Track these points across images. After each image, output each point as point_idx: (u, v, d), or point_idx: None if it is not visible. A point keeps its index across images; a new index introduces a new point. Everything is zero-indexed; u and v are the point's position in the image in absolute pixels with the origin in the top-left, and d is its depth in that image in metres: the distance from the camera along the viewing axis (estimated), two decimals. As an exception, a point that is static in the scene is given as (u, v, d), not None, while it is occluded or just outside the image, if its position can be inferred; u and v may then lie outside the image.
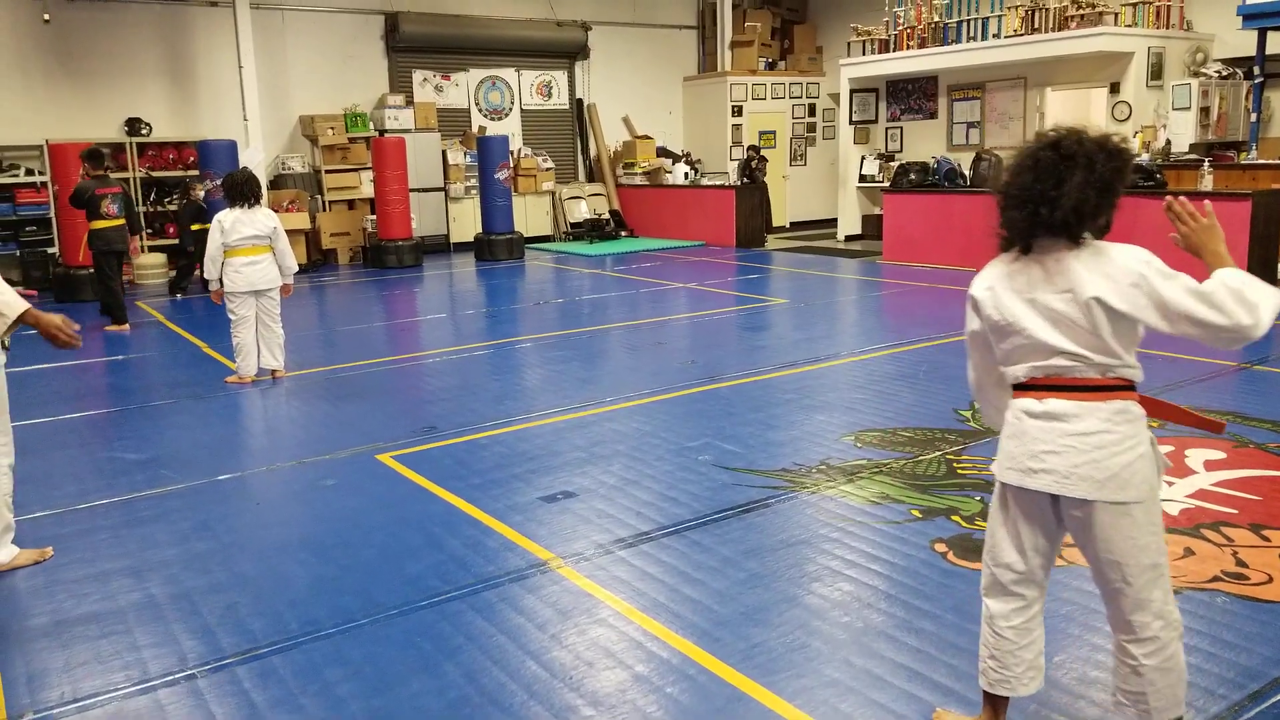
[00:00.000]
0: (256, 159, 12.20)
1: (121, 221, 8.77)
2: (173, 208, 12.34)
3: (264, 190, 6.25)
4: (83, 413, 5.90)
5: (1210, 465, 4.29)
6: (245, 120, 12.07)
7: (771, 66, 16.09)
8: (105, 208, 8.59)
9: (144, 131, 12.16)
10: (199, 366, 7.13)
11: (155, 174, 12.19)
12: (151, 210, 12.19)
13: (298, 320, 9.35)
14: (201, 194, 10.70)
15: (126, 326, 8.68)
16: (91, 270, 9.56)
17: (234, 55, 11.98)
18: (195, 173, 11.80)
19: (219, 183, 8.68)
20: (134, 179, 11.95)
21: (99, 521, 4.04)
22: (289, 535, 3.85)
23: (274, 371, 6.58)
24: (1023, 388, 2.20)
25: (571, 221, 15.12)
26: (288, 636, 3.02)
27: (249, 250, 6.35)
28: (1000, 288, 2.22)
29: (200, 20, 12.54)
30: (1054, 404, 2.15)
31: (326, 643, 2.97)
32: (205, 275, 6.57)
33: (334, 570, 3.50)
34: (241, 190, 6.36)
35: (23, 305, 3.31)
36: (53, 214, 11.29)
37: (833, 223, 15.03)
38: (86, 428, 5.56)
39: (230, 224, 6.29)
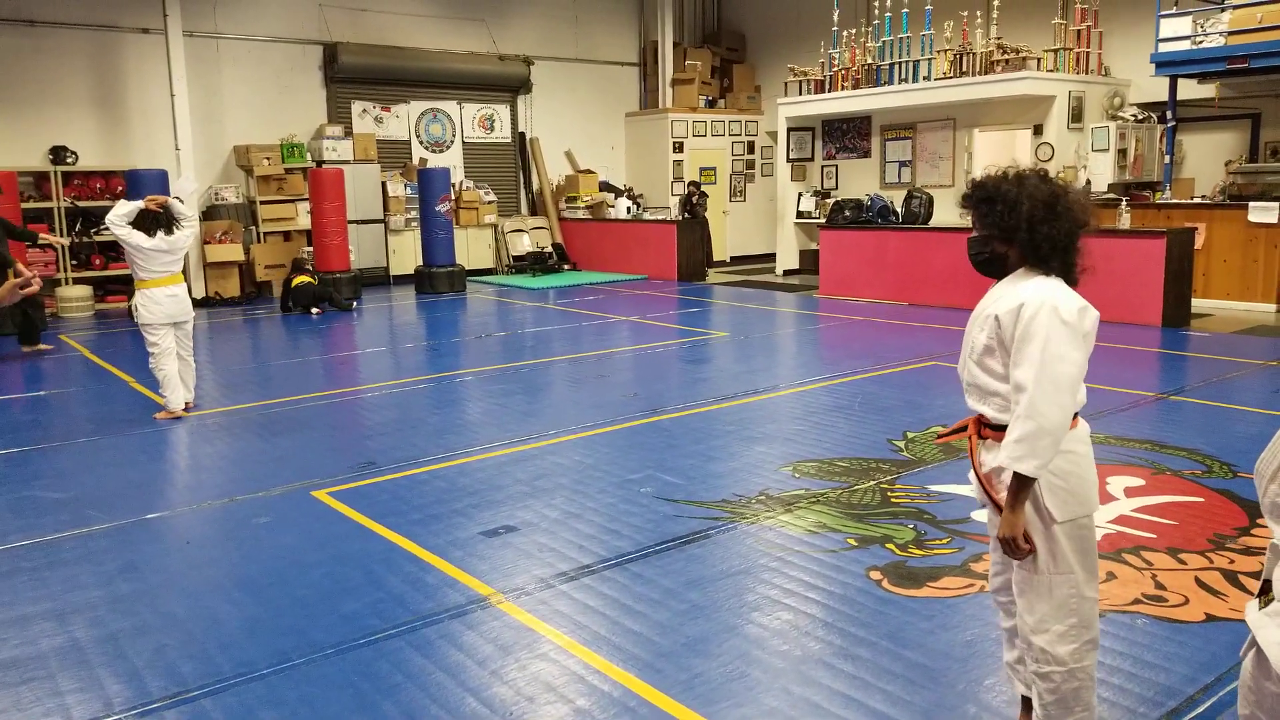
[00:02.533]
0: (189, 189, 11.93)
1: None
2: (99, 239, 11.99)
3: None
4: (1, 450, 5.66)
5: (1130, 491, 4.48)
6: (177, 149, 11.84)
7: (711, 104, 16.44)
8: None
9: (70, 160, 11.83)
10: (125, 400, 6.91)
11: (81, 204, 11.84)
12: (78, 241, 11.82)
13: (230, 354, 9.15)
14: None
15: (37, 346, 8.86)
16: None
17: (166, 83, 11.77)
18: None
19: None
20: (59, 208, 11.59)
21: (19, 563, 3.88)
22: (220, 574, 3.75)
23: (187, 403, 6.46)
24: (1074, 416, 2.24)
25: (514, 254, 15.12)
26: (219, 678, 2.93)
27: (168, 280, 6.22)
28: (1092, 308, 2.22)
29: (131, 47, 12.30)
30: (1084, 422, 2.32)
31: (260, 684, 2.90)
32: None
33: (268, 610, 3.42)
34: (157, 219, 6.18)
35: None
36: (-29, 243, 10.87)
37: (771, 257, 15.33)
38: (4, 465, 5.34)
39: (151, 249, 6.12)
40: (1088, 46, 11.80)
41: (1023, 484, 2.16)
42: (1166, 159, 11.18)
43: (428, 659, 3.04)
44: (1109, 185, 11.22)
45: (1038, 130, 11.80)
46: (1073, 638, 2.28)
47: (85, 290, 11.76)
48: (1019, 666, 2.50)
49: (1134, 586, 3.48)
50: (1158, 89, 11.27)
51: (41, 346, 8.92)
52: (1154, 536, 3.94)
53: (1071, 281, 2.24)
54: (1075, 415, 2.26)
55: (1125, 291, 9.26)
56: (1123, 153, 11.35)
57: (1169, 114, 11.01)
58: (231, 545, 4.09)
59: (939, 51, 12.27)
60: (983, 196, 2.25)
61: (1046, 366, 2.09)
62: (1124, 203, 10.09)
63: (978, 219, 2.28)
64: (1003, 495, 2.25)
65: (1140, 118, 11.59)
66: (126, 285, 11.66)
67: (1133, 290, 9.22)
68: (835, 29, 13.50)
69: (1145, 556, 3.75)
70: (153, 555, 3.95)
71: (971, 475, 2.40)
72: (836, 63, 13.49)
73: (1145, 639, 3.09)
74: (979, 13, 12.21)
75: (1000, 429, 2.25)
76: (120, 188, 11.79)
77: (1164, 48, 10.51)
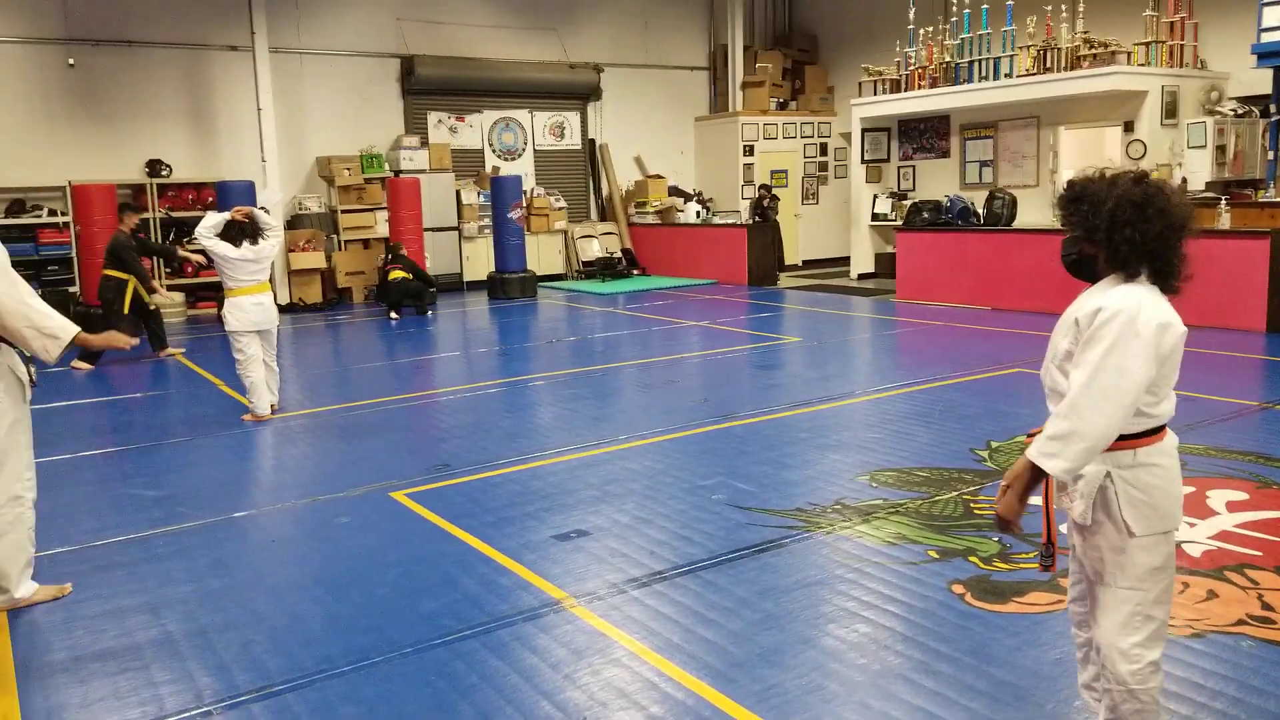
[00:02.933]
0: (274, 199, 12.39)
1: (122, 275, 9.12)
2: (193, 248, 12.49)
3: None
4: (101, 449, 5.94)
5: (1232, 506, 4.24)
6: (263, 161, 12.29)
7: (783, 106, 16.29)
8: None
9: (164, 173, 12.39)
10: (216, 404, 7.18)
11: (175, 214, 12.39)
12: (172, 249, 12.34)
13: (313, 358, 9.44)
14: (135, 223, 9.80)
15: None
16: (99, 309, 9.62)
17: (253, 98, 12.23)
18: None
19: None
20: (154, 219, 12.14)
21: (116, 558, 4.05)
22: (303, 573, 3.86)
23: (272, 405, 6.65)
24: (1163, 428, 2.18)
25: (584, 260, 15.23)
26: (303, 674, 3.01)
27: (254, 289, 6.43)
28: (1180, 322, 2.13)
29: (220, 64, 12.84)
30: (1173, 435, 2.24)
31: (341, 681, 2.96)
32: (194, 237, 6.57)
33: (348, 608, 3.49)
34: (243, 229, 6.36)
35: (74, 329, 3.48)
36: (74, 254, 11.49)
37: (845, 261, 15.08)
38: (105, 464, 5.60)
39: (237, 258, 6.32)
40: (1182, 39, 11.28)
41: (1035, 478, 2.10)
42: (1270, 155, 10.60)
43: (502, 660, 3.06)
44: (1207, 184, 10.70)
45: (1129, 127, 11.33)
46: (1135, 657, 2.18)
47: (178, 297, 12.28)
48: (1096, 684, 2.39)
49: (1238, 606, 3.29)
50: (1259, 81, 10.68)
51: (172, 350, 9.46)
52: (1259, 554, 3.72)
53: (1170, 290, 2.13)
54: (1163, 427, 2.17)
55: (1226, 295, 8.82)
56: (1221, 149, 10.79)
57: (1272, 108, 10.43)
58: (313, 544, 4.20)
59: (1021, 47, 11.89)
60: (1072, 196, 2.20)
61: (1103, 373, 2.02)
62: (1223, 201, 9.62)
63: (1066, 218, 2.22)
64: (1074, 506, 2.19)
65: (1240, 112, 11.01)
66: (217, 292, 12.13)
67: (1234, 294, 8.77)
68: (911, 27, 13.22)
69: (1250, 575, 3.54)
70: (240, 552, 4.08)
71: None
72: (913, 61, 13.21)
73: (1251, 662, 2.91)
74: (1064, 6, 11.80)
75: None
76: (210, 198, 12.31)
77: (1266, 38, 9.95)
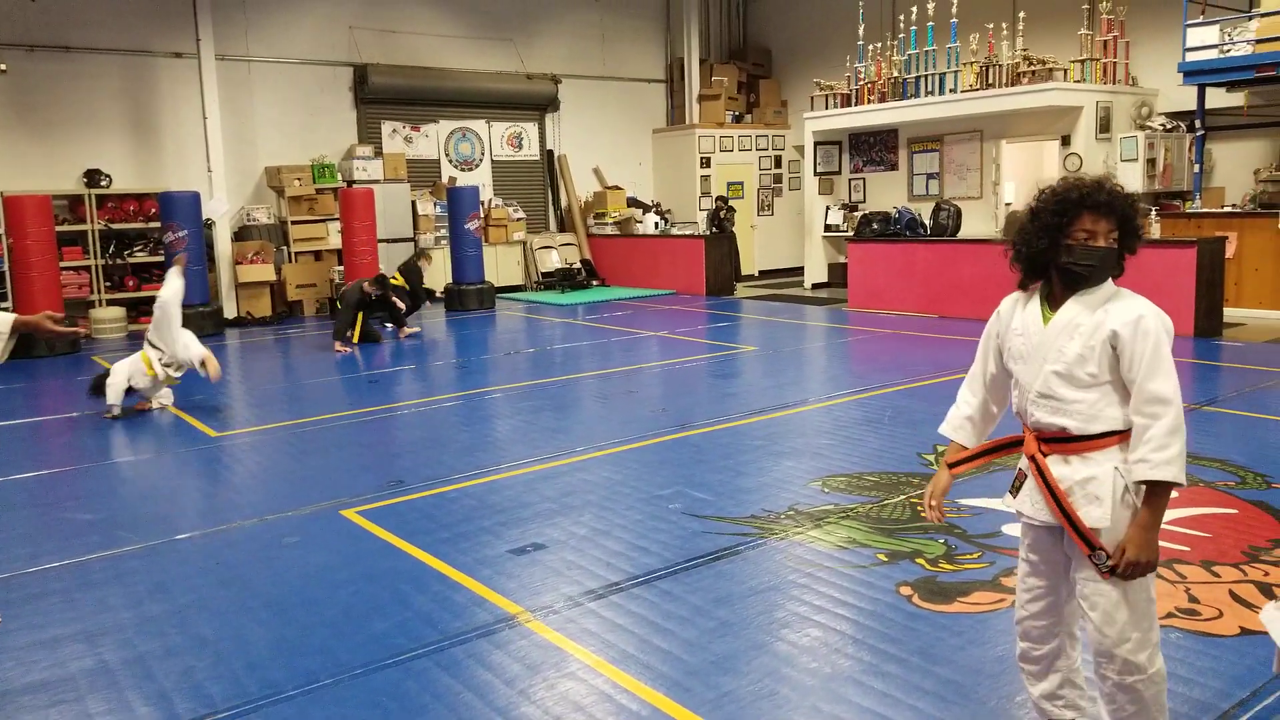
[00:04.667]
0: (221, 210, 12.17)
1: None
2: (133, 260, 12.21)
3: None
4: (34, 472, 5.74)
5: (1170, 506, 4.37)
6: (210, 171, 12.06)
7: (738, 119, 16.46)
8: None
9: (103, 183, 12.07)
10: (158, 424, 7.01)
11: (115, 226, 12.08)
12: (110, 263, 12.05)
13: (262, 374, 9.26)
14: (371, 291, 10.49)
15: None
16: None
17: (199, 106, 12.00)
18: (157, 224, 11.69)
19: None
20: (93, 231, 11.83)
21: (51, 585, 3.92)
22: (249, 595, 3.77)
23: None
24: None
25: (543, 271, 15.19)
26: (247, 700, 2.93)
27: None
28: None
29: (164, 71, 12.57)
30: None
31: (288, 705, 2.90)
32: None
33: (296, 630, 3.42)
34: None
35: (10, 317, 3.30)
36: (6, 267, 11.06)
37: (800, 271, 15.26)
38: (38, 487, 5.42)
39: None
40: (1115, 56, 11.68)
41: (1162, 497, 2.13)
42: (1196, 168, 11.00)
43: (455, 679, 3.02)
44: (1138, 195, 11.05)
45: (1065, 141, 11.67)
46: (1150, 642, 2.23)
47: (118, 312, 11.96)
48: (1062, 692, 2.40)
49: (1167, 600, 3.39)
50: (1186, 98, 11.10)
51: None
52: (1187, 549, 3.84)
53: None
54: None
55: (1157, 301, 8.87)
56: (1151, 162, 11.19)
57: (1198, 123, 10.84)
58: (260, 566, 4.11)
59: (965, 64, 12.19)
60: (1124, 208, 2.21)
61: (1171, 377, 2.13)
62: (1154, 212, 9.95)
63: (1109, 229, 2.20)
64: (1087, 511, 2.18)
65: (1169, 127, 11.42)
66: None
67: (1164, 300, 8.80)
68: (861, 43, 13.47)
69: (1179, 569, 3.65)
70: (182, 576, 3.98)
71: (1025, 496, 2.31)
72: (863, 76, 13.45)
73: (1179, 653, 3.00)
74: (1005, 25, 12.13)
75: (1080, 440, 2.20)
76: (153, 210, 12.03)
77: (1191, 57, 10.35)
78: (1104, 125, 11.50)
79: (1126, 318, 2.17)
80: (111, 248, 12.10)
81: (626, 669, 3.03)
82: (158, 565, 4.10)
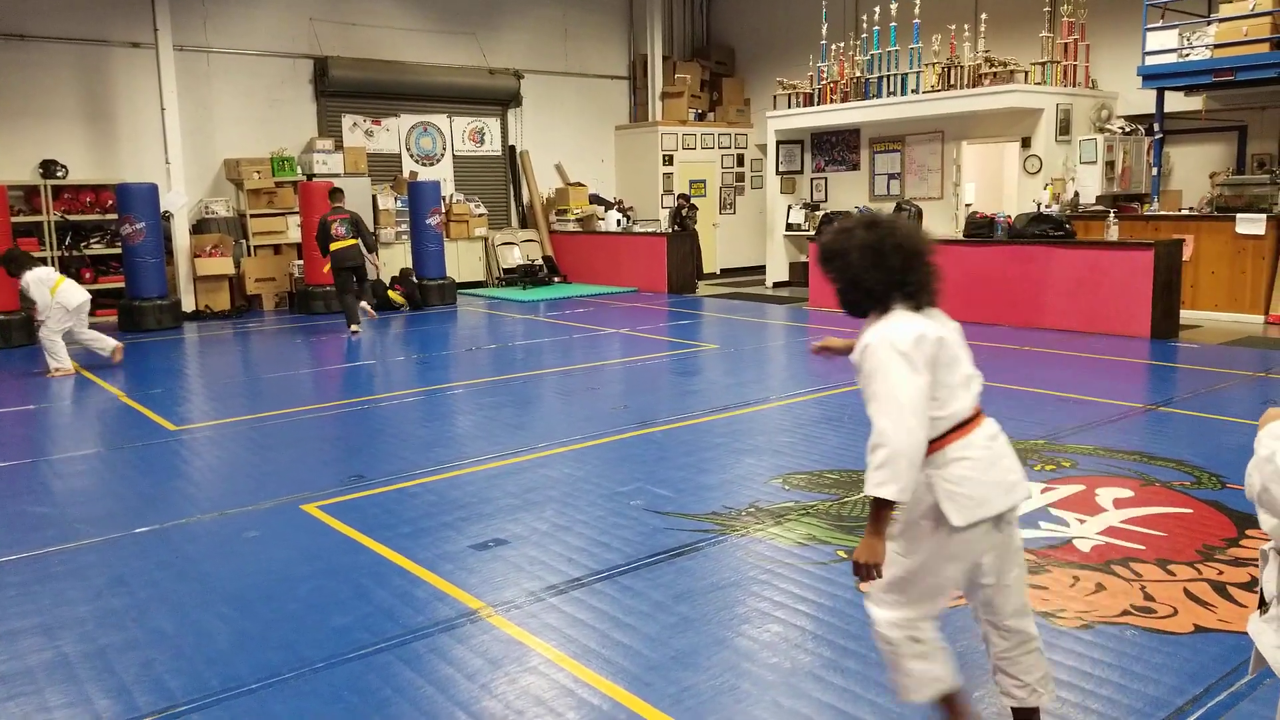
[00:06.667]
0: (179, 202, 11.96)
1: (353, 241, 10.46)
2: (90, 252, 11.97)
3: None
4: (-12, 465, 5.63)
5: (1119, 503, 4.51)
6: (167, 163, 11.84)
7: (701, 117, 16.54)
8: (334, 230, 10.41)
9: (59, 174, 11.80)
10: (114, 415, 6.89)
11: (71, 217, 11.82)
12: (66, 255, 11.78)
13: (220, 367, 9.13)
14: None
15: (357, 329, 10.52)
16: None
17: (156, 97, 11.78)
18: (114, 216, 11.49)
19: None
20: (49, 222, 11.56)
21: (7, 578, 3.86)
22: (209, 589, 3.74)
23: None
24: (967, 422, 2.33)
25: (504, 267, 15.15)
26: (208, 694, 2.92)
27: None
28: (937, 330, 2.32)
29: (121, 61, 12.31)
30: (991, 423, 2.39)
31: (250, 698, 2.89)
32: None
33: (257, 625, 3.41)
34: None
35: None
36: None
37: (761, 270, 15.39)
38: (-8, 481, 5.32)
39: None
40: (1075, 60, 11.92)
41: (884, 512, 2.25)
42: (1154, 171, 11.29)
43: (417, 673, 3.03)
44: (1097, 197, 11.32)
45: (1026, 143, 11.90)
46: (884, 604, 2.42)
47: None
48: (996, 679, 2.52)
49: (1123, 598, 3.50)
50: (1145, 101, 11.38)
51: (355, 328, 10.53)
52: (1143, 548, 3.97)
53: (929, 304, 2.35)
54: (967, 422, 2.32)
55: (1114, 303, 9.33)
56: (1111, 165, 11.44)
57: (1156, 126, 11.12)
58: (220, 560, 4.08)
59: (927, 65, 12.38)
60: (824, 256, 2.41)
61: (887, 399, 2.22)
62: (1112, 215, 10.18)
63: (826, 275, 2.43)
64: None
65: (1128, 130, 11.69)
66: (117, 299, 11.64)
67: (1121, 302, 9.28)
68: (824, 42, 13.61)
69: (1134, 568, 3.77)
70: (141, 570, 3.93)
71: None
72: (825, 76, 13.59)
73: (1133, 650, 3.10)
74: (967, 26, 12.34)
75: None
76: (110, 201, 11.79)
77: (1150, 60, 10.62)
78: (1064, 127, 11.75)
79: (857, 348, 2.37)
80: (68, 239, 11.82)
81: (588, 664, 3.07)
82: (116, 559, 4.05)
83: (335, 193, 10.85)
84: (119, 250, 11.56)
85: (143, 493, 5.07)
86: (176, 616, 3.49)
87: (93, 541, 4.26)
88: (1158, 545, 3.99)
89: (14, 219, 11.00)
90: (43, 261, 9.64)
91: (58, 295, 8.39)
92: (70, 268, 11.81)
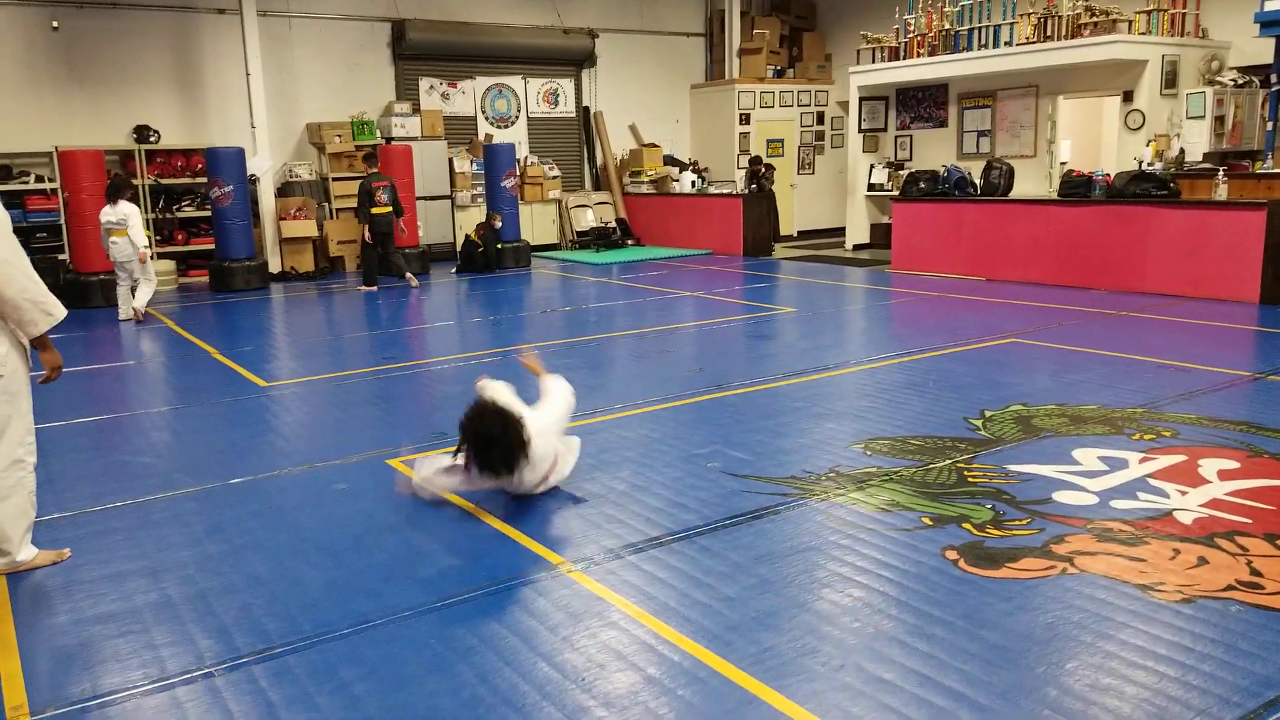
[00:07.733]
0: (264, 166, 12.27)
1: (389, 209, 11.21)
2: (181, 215, 12.42)
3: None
4: (94, 416, 5.92)
5: (1224, 475, 4.29)
6: (253, 128, 12.14)
7: (780, 74, 16.14)
8: (378, 196, 11.11)
9: (152, 139, 12.23)
10: (209, 371, 7.16)
11: (164, 181, 12.26)
12: (160, 217, 12.25)
13: (307, 327, 9.40)
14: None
15: (375, 288, 11.32)
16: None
17: (241, 63, 12.05)
18: (204, 180, 11.87)
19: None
20: (144, 186, 12.01)
21: (113, 524, 4.06)
22: (301, 538, 3.87)
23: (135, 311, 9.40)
24: None
25: (578, 230, 15.16)
26: (302, 637, 3.03)
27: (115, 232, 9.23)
28: None
29: (208, 28, 12.63)
30: None
31: (341, 643, 2.99)
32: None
33: (346, 573, 3.52)
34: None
35: (64, 311, 3.61)
36: (63, 220, 11.36)
37: (841, 231, 15.05)
38: (99, 431, 5.59)
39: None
40: (1184, 7, 11.19)
41: None
42: (1269, 126, 10.56)
43: (501, 624, 3.08)
44: (1204, 155, 10.68)
45: (1127, 97, 11.27)
46: None
47: (168, 265, 12.19)
48: None
49: (1227, 572, 3.34)
50: (1261, 51, 10.61)
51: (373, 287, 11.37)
52: (1249, 521, 3.77)
53: None
54: None
55: (1220, 266, 8.83)
56: (1220, 120, 10.75)
57: (1273, 78, 10.38)
58: (311, 510, 4.21)
59: (1022, 15, 11.79)
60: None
61: None
62: (1221, 173, 9.60)
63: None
64: None
65: (1241, 82, 10.95)
66: (207, 260, 12.06)
67: (1229, 265, 8.78)
68: (910, -6, 13.09)
69: (1240, 542, 3.59)
70: (237, 518, 4.09)
71: None
72: (912, 28, 13.09)
73: (1239, 626, 2.96)
74: (1064, -26, 11.67)
75: None
76: (200, 165, 12.17)
77: (1270, 5, 9.87)
78: (1170, 80, 11.07)
79: None
80: (160, 202, 12.28)
81: (668, 621, 3.08)
82: (213, 508, 4.22)
83: (371, 158, 11.51)
84: (209, 213, 11.96)
85: (236, 445, 5.26)
86: (271, 563, 3.62)
87: (191, 490, 4.45)
88: (1265, 519, 3.78)
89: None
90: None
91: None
92: (164, 230, 12.30)
